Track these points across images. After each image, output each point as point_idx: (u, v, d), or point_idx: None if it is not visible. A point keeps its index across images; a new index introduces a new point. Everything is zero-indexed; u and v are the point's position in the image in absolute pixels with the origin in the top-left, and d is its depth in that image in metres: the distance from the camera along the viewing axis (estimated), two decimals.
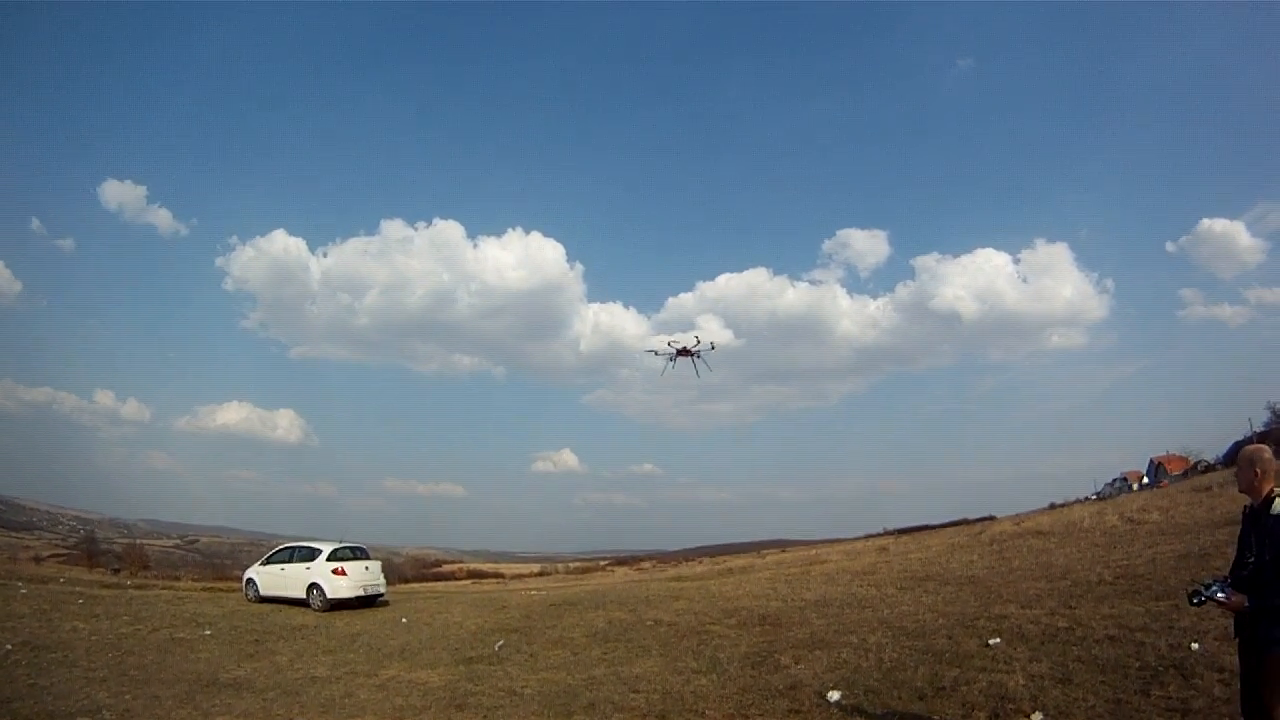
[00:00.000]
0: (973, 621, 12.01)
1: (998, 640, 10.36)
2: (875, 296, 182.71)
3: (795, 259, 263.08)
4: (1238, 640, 5.46)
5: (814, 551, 37.06)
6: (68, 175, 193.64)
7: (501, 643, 14.68)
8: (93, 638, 15.84)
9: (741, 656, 11.61)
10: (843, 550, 33.48)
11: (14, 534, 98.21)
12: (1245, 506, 5.59)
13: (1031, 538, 23.18)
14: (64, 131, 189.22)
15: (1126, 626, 10.20)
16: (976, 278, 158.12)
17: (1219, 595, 5.31)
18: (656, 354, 23.83)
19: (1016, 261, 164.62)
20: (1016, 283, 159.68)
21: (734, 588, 20.67)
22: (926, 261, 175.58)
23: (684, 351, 24.08)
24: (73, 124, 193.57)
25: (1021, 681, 8.42)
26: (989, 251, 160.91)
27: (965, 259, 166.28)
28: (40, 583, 25.39)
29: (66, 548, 67.74)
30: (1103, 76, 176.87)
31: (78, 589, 24.35)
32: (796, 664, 10.65)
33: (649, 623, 15.55)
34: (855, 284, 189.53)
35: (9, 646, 14.02)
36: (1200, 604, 5.46)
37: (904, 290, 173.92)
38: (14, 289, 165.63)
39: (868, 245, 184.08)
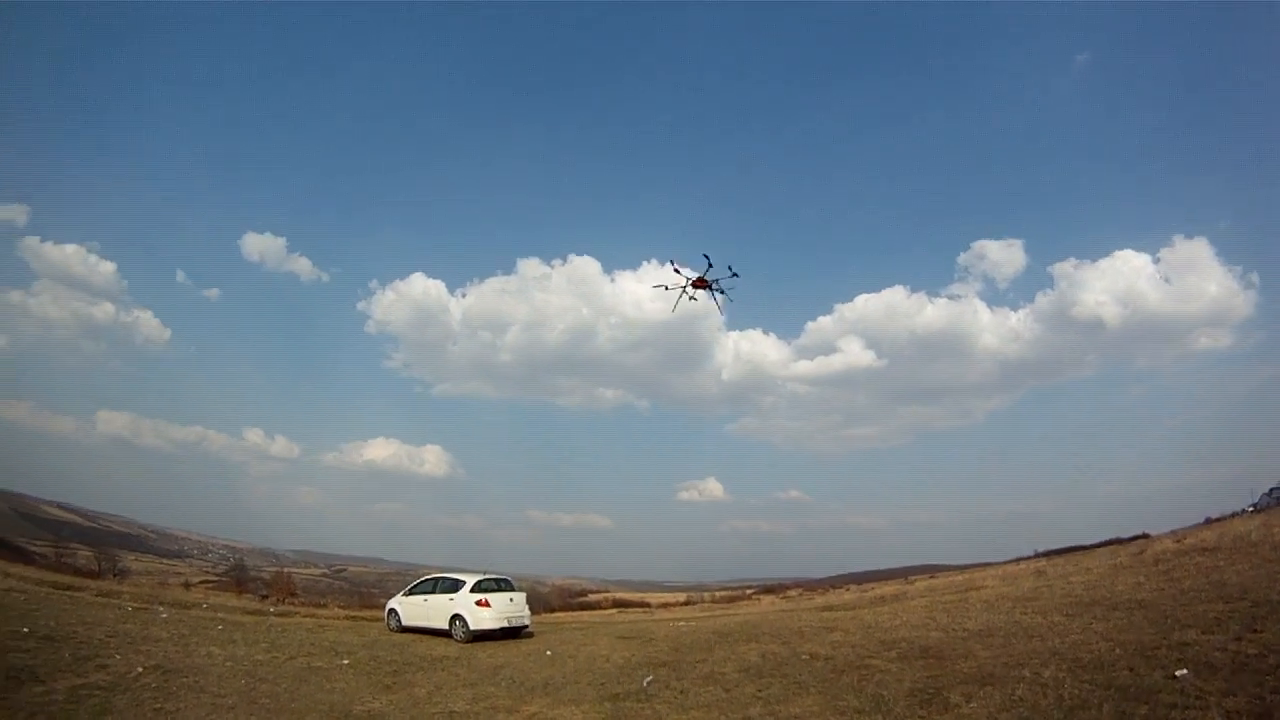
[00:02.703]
0: (1153, 651, 11.66)
1: (1185, 672, 10.06)
2: (1015, 308, 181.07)
3: (932, 274, 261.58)
4: None
5: (966, 576, 36.10)
6: (210, 229, 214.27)
7: (650, 678, 14.63)
8: (227, 664, 16.28)
9: (907, 694, 11.37)
10: (998, 574, 32.54)
11: (165, 561, 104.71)
12: None
13: (1197, 555, 22.13)
14: (204, 188, 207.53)
15: None
16: (1117, 281, 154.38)
17: None
18: (667, 288, 22.71)
19: (1156, 261, 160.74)
20: (1158, 283, 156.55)
21: (889, 617, 20.38)
22: (1065, 268, 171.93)
23: (700, 282, 22.61)
24: (212, 181, 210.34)
25: None
26: (1127, 253, 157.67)
27: (1104, 263, 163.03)
28: (183, 607, 26.34)
29: (216, 575, 71.62)
30: (1226, 56, 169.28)
31: (219, 614, 25.28)
32: (968, 702, 10.39)
33: (804, 656, 15.37)
34: (994, 296, 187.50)
35: (140, 669, 14.45)
36: None
37: (1044, 299, 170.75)
38: (163, 336, 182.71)
39: (1004, 255, 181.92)
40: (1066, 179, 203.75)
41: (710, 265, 22.04)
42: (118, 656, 15.09)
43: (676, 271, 22.54)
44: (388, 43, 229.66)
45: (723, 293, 22.62)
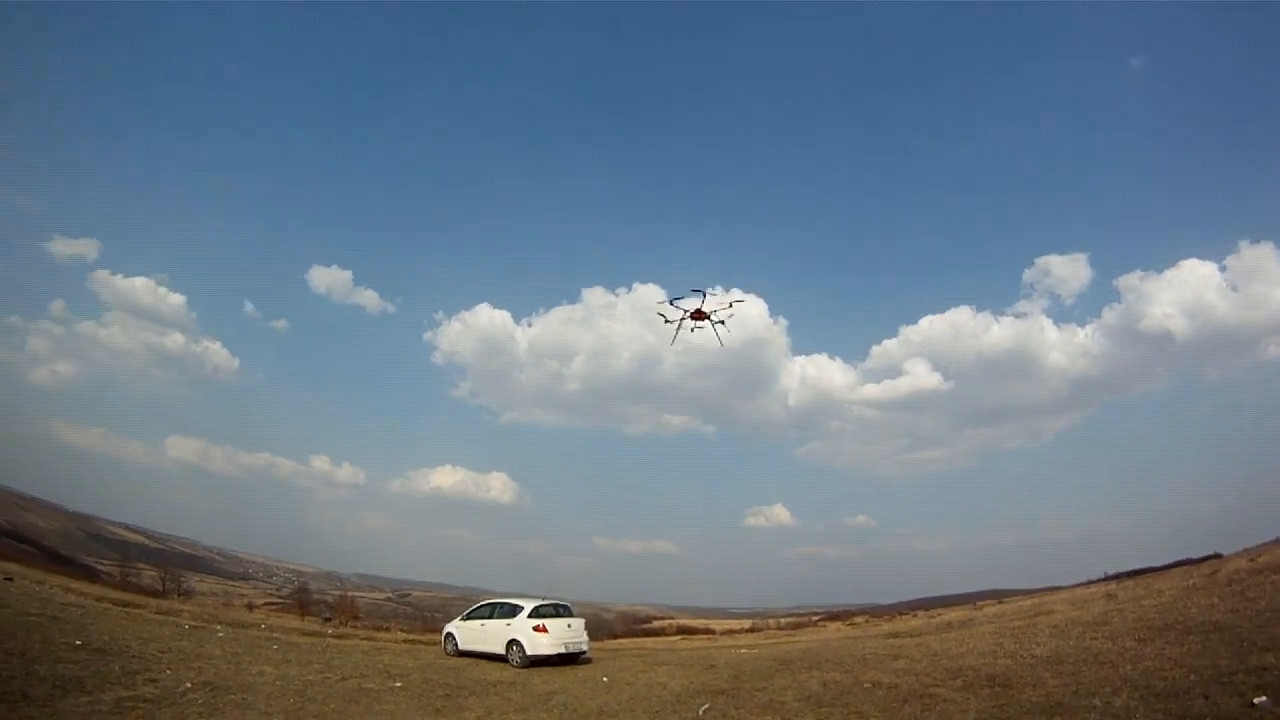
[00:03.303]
0: (1229, 676, 11.34)
1: (1264, 699, 9.79)
2: (1082, 324, 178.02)
3: (997, 293, 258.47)
4: None
5: (1035, 601, 35.42)
6: (276, 263, 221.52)
7: (706, 706, 14.50)
8: (277, 683, 16.37)
9: None
10: (1066, 599, 31.84)
11: (231, 583, 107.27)
12: None
13: (1273, 574, 21.40)
14: (271, 222, 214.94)
15: None
16: (1184, 292, 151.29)
17: None
18: (667, 320, 23.04)
19: (1223, 269, 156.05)
20: (1226, 292, 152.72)
21: (955, 644, 19.98)
22: (1130, 281, 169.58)
23: (698, 314, 22.93)
24: (279, 215, 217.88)
25: None
26: (1193, 262, 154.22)
27: (1170, 273, 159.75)
28: (240, 627, 26.73)
29: (280, 597, 73.03)
30: None
31: (276, 635, 25.73)
32: None
33: (867, 685, 15.17)
34: (1060, 313, 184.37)
35: (188, 684, 14.53)
36: None
37: (1111, 314, 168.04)
38: (231, 365, 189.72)
39: (1069, 270, 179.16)
40: (1128, 188, 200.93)
41: (705, 297, 22.47)
42: (168, 671, 15.33)
43: (674, 305, 22.98)
44: (450, 75, 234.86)
45: (722, 323, 23.08)
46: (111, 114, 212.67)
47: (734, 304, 22.86)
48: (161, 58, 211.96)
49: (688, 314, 22.95)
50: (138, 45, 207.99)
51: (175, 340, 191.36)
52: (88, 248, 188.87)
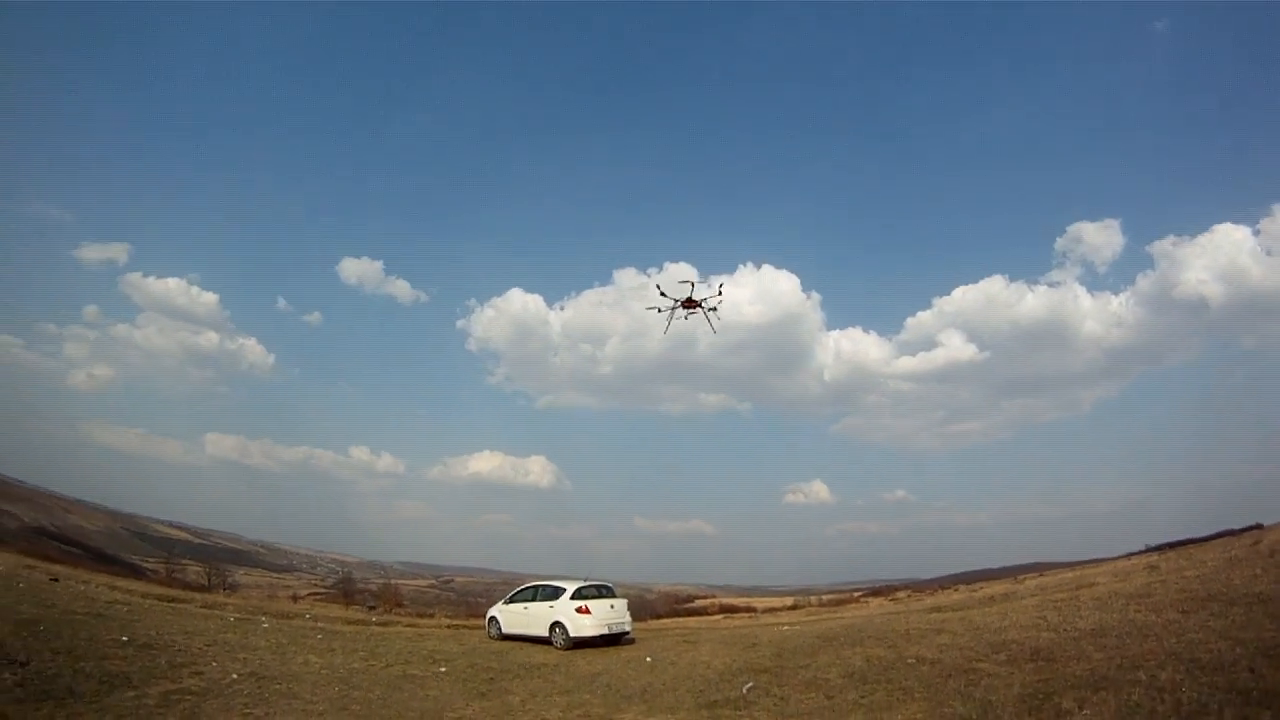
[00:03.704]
0: (1274, 649, 11.37)
1: None
2: (1116, 292, 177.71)
3: (1030, 262, 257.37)
4: None
5: (1077, 573, 35.14)
6: (307, 256, 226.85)
7: (750, 684, 14.61)
8: (323, 671, 16.68)
9: (1015, 699, 11.10)
10: (1108, 571, 31.57)
11: (275, 575, 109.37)
12: None
13: None
14: (299, 217, 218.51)
15: None
16: (1217, 257, 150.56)
17: None
18: (659, 311, 23.26)
19: (1256, 233, 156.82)
20: (1260, 257, 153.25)
21: (998, 618, 19.91)
22: (1163, 247, 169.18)
23: (689, 303, 23.24)
24: (306, 209, 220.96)
25: None
26: (1226, 227, 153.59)
27: (1203, 239, 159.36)
28: (285, 618, 27.17)
29: (324, 588, 74.36)
30: None
31: (320, 624, 26.16)
32: (1081, 708, 10.11)
33: (910, 660, 15.16)
34: (1094, 281, 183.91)
35: (234, 676, 14.85)
36: None
37: (1145, 281, 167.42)
38: (267, 361, 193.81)
39: (1102, 238, 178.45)
40: (1158, 152, 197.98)
41: (693, 286, 22.71)
42: (214, 664, 15.65)
43: (663, 295, 23.19)
44: (473, 62, 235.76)
45: (714, 309, 23.32)
46: (131, 117, 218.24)
47: (721, 289, 23.18)
48: (177, 57, 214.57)
49: (679, 303, 23.27)
50: (152, 46, 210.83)
51: (210, 339, 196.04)
52: (117, 252, 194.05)
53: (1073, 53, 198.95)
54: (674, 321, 23.79)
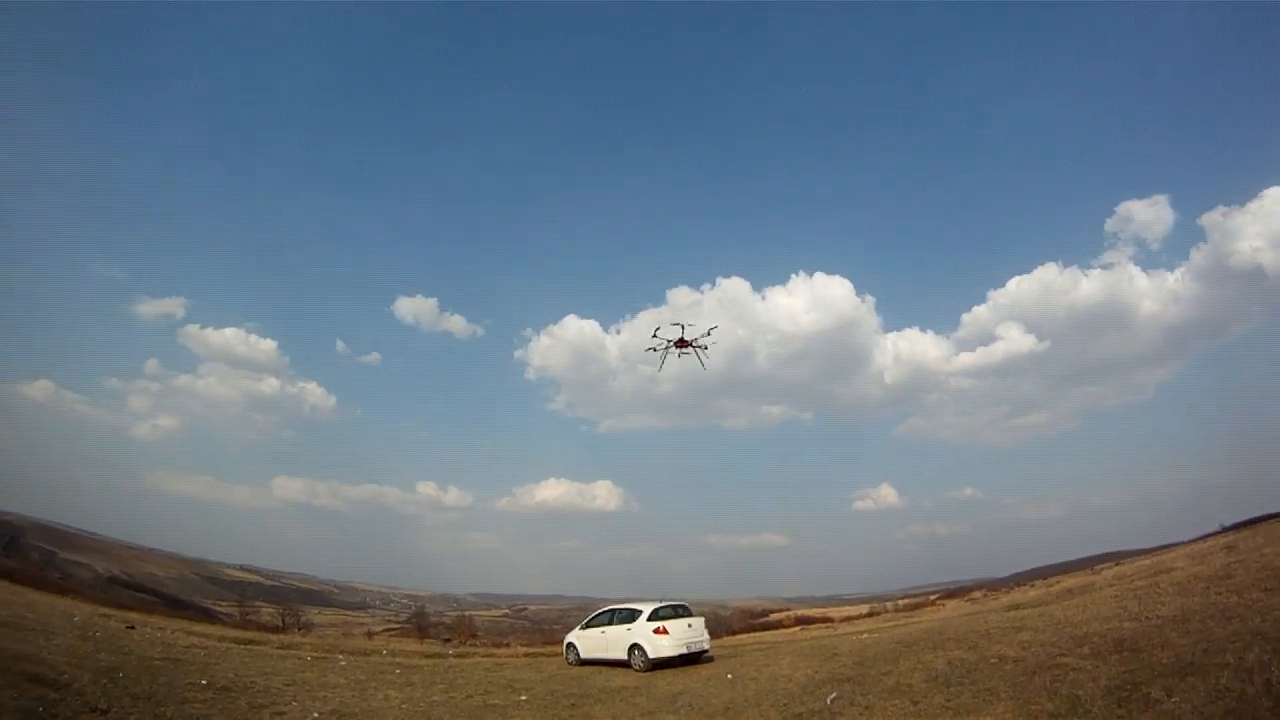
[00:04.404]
0: None
1: None
2: (1171, 269, 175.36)
3: (1081, 246, 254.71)
4: None
5: (1153, 559, 34.62)
6: (362, 298, 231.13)
7: (834, 694, 14.55)
8: (403, 706, 16.77)
9: (1103, 692, 11.12)
10: (1185, 554, 31.02)
11: (349, 613, 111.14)
12: None
13: None
14: (350, 260, 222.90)
15: None
16: (1269, 223, 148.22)
17: None
18: (654, 350, 24.32)
19: None
20: None
21: (1077, 611, 19.71)
22: (1214, 218, 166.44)
23: (681, 342, 24.27)
24: (358, 252, 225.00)
25: None
26: (1276, 190, 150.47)
27: (1253, 205, 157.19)
28: (362, 655, 27.37)
29: (398, 622, 75.33)
30: None
31: (398, 659, 26.50)
32: (1170, 696, 10.14)
33: (993, 660, 15.07)
34: (1148, 259, 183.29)
35: (315, 714, 14.88)
36: None
37: (1198, 255, 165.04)
38: (329, 403, 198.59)
39: (1151, 214, 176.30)
40: (1199, 122, 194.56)
41: (684, 328, 23.87)
42: (294, 704, 15.72)
43: (655, 335, 24.45)
44: (508, 90, 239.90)
45: (704, 348, 24.54)
46: (178, 177, 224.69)
47: (711, 331, 24.57)
48: (218, 113, 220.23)
49: (672, 343, 24.57)
50: (194, 105, 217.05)
51: (271, 384, 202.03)
52: (174, 306, 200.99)
53: (1105, 30, 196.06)
54: (686, 355, 25.00)
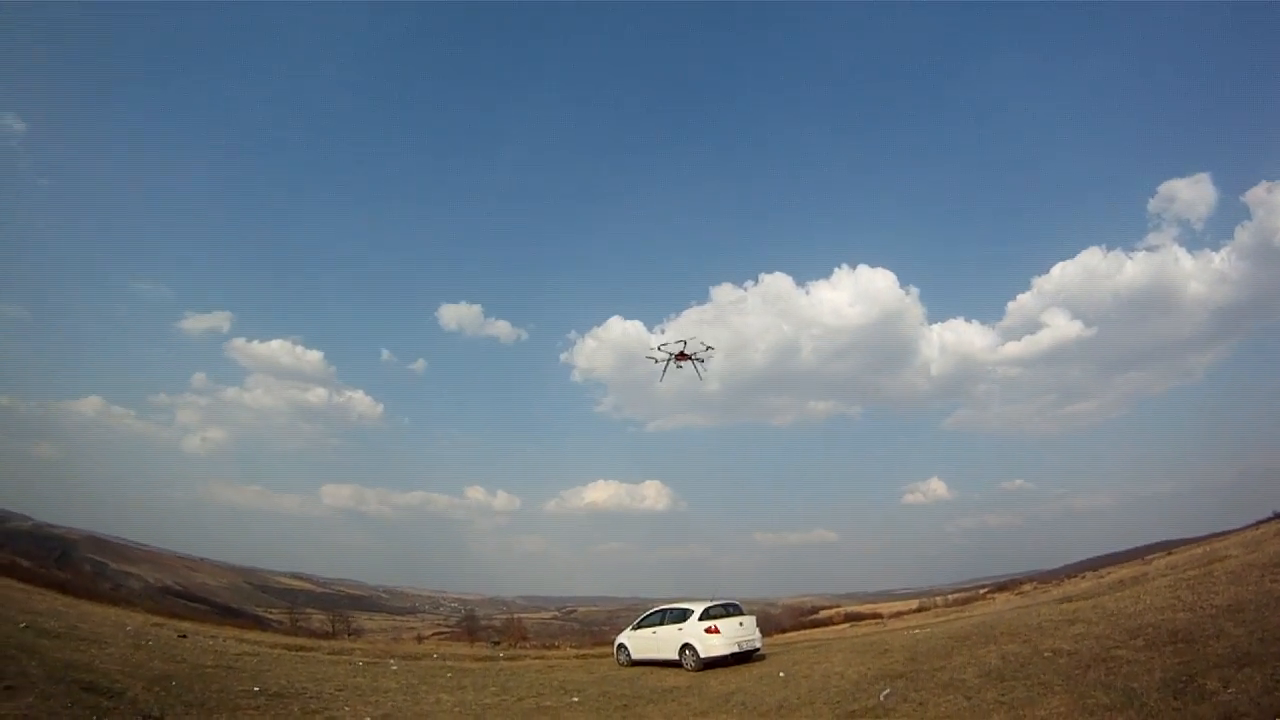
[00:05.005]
0: None
1: None
2: (1216, 248, 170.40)
3: (1125, 229, 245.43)
4: None
5: (1206, 548, 34.10)
6: (406, 306, 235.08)
7: (887, 691, 14.54)
8: (456, 709, 16.91)
9: (1159, 684, 11.09)
10: (1238, 542, 30.55)
11: (398, 618, 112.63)
12: None
13: None
14: (393, 268, 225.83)
15: None
16: None
17: None
18: (656, 361, 24.99)
19: None
20: None
21: (1130, 602, 19.36)
22: (1258, 194, 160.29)
23: (681, 355, 24.94)
24: (401, 260, 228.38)
25: None
26: None
27: None
28: (413, 659, 27.50)
29: (448, 626, 76.11)
30: None
31: (449, 663, 26.65)
32: (1226, 688, 10.12)
33: (1046, 654, 14.91)
34: (1192, 240, 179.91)
35: (368, 719, 15.08)
36: None
37: (1243, 233, 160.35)
38: (376, 411, 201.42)
39: (1194, 193, 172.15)
40: (1237, 94, 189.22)
41: (685, 343, 24.67)
42: (346, 709, 15.85)
43: (659, 349, 25.40)
44: (548, 91, 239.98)
45: (701, 361, 25.51)
46: (218, 190, 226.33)
47: (708, 348, 25.55)
48: (258, 121, 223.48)
49: (673, 356, 25.46)
50: (233, 114, 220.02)
51: (318, 394, 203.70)
52: (220, 320, 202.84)
53: (1140, 8, 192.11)
54: (683, 366, 25.91)
